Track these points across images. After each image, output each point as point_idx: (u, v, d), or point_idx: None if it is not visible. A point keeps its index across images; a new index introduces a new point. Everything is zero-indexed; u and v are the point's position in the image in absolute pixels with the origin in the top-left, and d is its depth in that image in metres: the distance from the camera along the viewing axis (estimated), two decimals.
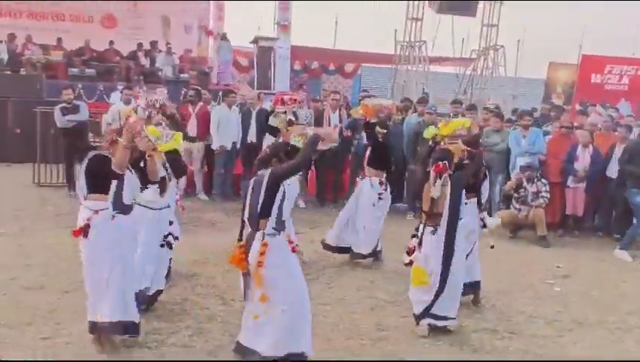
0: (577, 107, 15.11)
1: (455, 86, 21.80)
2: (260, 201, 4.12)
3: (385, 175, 7.12)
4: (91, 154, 4.52)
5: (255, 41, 18.60)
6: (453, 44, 21.08)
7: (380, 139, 7.05)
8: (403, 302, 5.78)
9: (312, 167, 10.61)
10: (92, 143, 11.01)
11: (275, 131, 7.11)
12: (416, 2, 20.13)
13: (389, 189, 7.13)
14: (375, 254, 7.12)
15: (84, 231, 4.36)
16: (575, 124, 10.03)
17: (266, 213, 4.13)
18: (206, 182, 10.65)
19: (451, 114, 10.45)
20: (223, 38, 19.78)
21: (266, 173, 4.17)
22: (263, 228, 4.13)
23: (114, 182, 4.43)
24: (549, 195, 8.69)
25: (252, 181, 4.27)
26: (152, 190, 5.10)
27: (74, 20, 19.60)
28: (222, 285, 6.10)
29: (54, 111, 10.10)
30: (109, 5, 19.86)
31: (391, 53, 21.21)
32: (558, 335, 5.33)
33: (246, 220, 4.26)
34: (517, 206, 8.76)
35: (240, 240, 4.26)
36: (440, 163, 5.01)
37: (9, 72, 15.32)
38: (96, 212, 4.37)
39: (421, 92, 18.20)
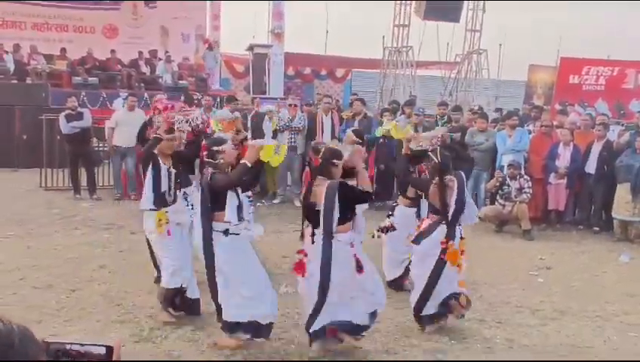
0: (557, 107, 15.13)
1: (441, 89, 21.85)
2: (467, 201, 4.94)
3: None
4: (335, 184, 4.30)
5: (250, 48, 18.63)
6: (439, 48, 21.21)
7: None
8: (395, 294, 5.78)
9: (307, 168, 10.58)
10: (96, 148, 11.01)
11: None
12: (402, 10, 20.16)
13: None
14: None
15: (358, 264, 4.31)
16: (555, 123, 10.07)
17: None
18: None
19: (438, 115, 10.48)
20: (209, 47, 19.82)
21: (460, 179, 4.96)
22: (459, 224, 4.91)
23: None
24: (531, 191, 8.70)
25: (457, 188, 4.87)
26: None
27: (77, 31, 19.51)
28: None
29: (59, 118, 10.04)
30: (110, 16, 19.79)
31: (379, 58, 21.25)
32: (541, 324, 5.33)
33: (449, 217, 4.83)
34: (501, 202, 8.77)
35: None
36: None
37: (15, 81, 15.26)
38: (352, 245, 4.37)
39: (408, 95, 18.25)
